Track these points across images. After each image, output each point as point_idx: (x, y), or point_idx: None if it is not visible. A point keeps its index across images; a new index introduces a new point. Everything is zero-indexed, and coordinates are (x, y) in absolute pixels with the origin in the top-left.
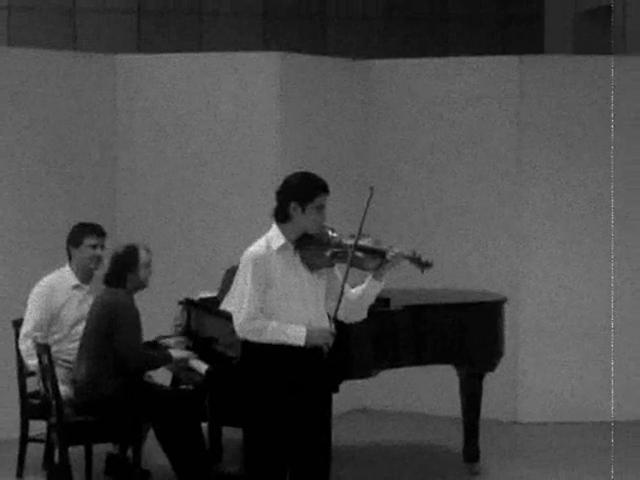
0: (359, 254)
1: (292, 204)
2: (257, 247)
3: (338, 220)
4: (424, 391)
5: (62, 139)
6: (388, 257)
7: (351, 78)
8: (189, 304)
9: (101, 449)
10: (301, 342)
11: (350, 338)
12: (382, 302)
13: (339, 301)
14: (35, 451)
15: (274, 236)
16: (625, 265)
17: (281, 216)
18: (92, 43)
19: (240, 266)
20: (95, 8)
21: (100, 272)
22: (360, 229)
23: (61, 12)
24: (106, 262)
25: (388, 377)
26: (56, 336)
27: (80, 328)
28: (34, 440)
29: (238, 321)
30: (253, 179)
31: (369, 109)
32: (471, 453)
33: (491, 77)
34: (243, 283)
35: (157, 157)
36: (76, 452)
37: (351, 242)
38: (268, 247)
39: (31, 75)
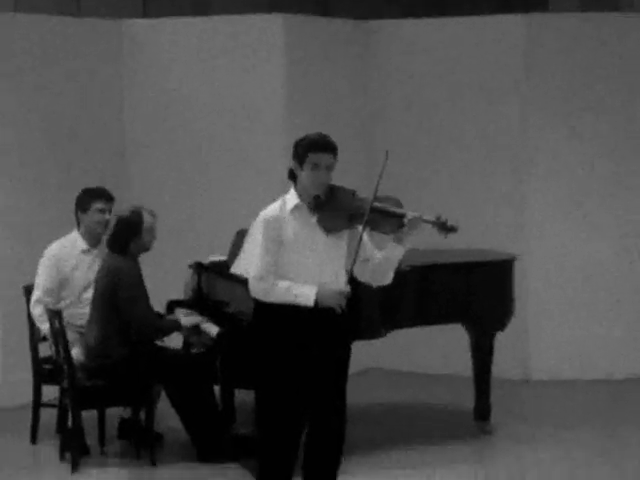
0: (377, 217)
1: (293, 164)
2: (271, 208)
3: (342, 181)
4: (434, 351)
5: (68, 105)
6: (406, 220)
7: (355, 39)
8: (199, 268)
9: (114, 413)
10: (310, 303)
11: (360, 299)
12: None
13: (353, 262)
14: (48, 416)
15: (290, 197)
16: (632, 219)
17: (290, 176)
18: (97, 8)
19: (255, 228)
20: None
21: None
22: (375, 192)
23: None
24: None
25: (398, 337)
26: (67, 301)
27: (90, 292)
28: (47, 405)
29: (250, 281)
30: (259, 141)
31: (373, 70)
32: (482, 411)
33: (496, 36)
34: (256, 244)
35: (164, 121)
36: (89, 416)
37: (368, 205)
38: (282, 208)
39: (37, 41)
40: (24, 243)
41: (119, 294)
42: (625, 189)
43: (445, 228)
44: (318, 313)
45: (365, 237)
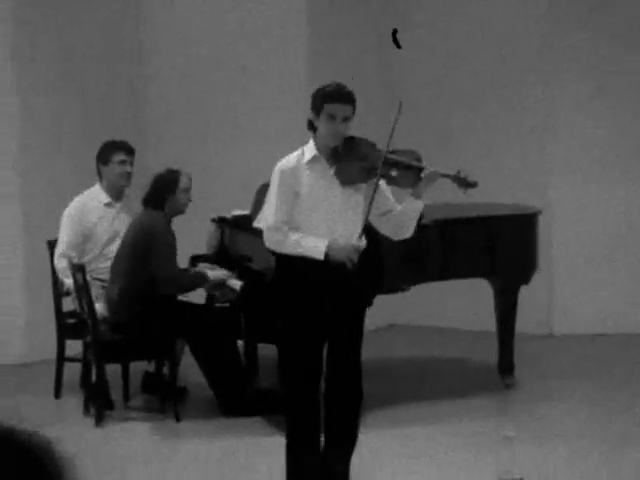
0: (394, 169)
1: (311, 114)
2: (288, 159)
3: (366, 135)
4: (457, 305)
5: (87, 61)
6: (423, 174)
7: (376, 5)
8: (222, 222)
9: (137, 367)
10: (320, 256)
11: (379, 253)
12: None
13: (367, 215)
14: (72, 371)
15: (308, 148)
16: None
17: (310, 126)
18: None
19: (272, 178)
20: None
21: (131, 190)
22: (389, 142)
23: None
24: (143, 182)
25: (421, 292)
26: (90, 255)
27: (113, 246)
28: (71, 359)
29: (264, 231)
30: (283, 96)
31: (397, 22)
32: (506, 366)
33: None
34: (271, 195)
35: (183, 79)
36: (113, 371)
37: (383, 157)
38: (299, 159)
39: (57, 7)
40: (46, 197)
41: (152, 248)
42: None
43: (465, 183)
44: (330, 266)
45: (385, 189)
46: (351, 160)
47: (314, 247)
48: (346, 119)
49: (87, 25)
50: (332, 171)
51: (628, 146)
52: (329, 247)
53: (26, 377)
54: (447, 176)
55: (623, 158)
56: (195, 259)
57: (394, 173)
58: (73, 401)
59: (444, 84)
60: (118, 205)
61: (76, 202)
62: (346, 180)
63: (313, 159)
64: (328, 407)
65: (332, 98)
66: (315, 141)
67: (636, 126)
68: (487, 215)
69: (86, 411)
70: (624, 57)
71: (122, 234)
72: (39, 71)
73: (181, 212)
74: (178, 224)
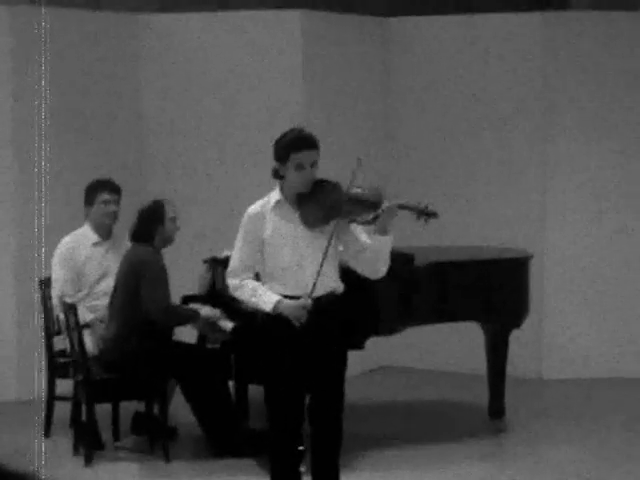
0: (354, 207)
1: (277, 164)
2: (255, 205)
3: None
4: (448, 348)
5: (86, 99)
6: (381, 210)
7: (373, 35)
8: (214, 263)
9: (128, 407)
10: (268, 309)
11: (375, 295)
12: (407, 259)
13: (320, 267)
14: (62, 410)
15: (273, 194)
16: None
17: (275, 175)
18: (116, 2)
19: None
20: None
21: (119, 228)
22: (348, 188)
23: None
24: (130, 219)
25: (410, 334)
26: (80, 294)
27: (104, 284)
28: (61, 398)
29: (226, 276)
30: (276, 136)
31: (390, 66)
32: (496, 409)
33: (515, 34)
34: (236, 240)
35: (181, 116)
36: (103, 410)
37: (345, 197)
38: (265, 205)
39: (55, 34)
40: (39, 236)
41: (142, 283)
42: None
43: (424, 213)
44: (278, 320)
45: (354, 229)
46: (315, 202)
47: (265, 300)
48: (314, 164)
49: (85, 62)
50: (297, 214)
51: (625, 190)
52: (278, 303)
53: (16, 415)
54: (406, 208)
55: (619, 202)
56: (187, 299)
57: (354, 211)
58: (63, 440)
59: (440, 128)
60: (106, 244)
61: (65, 242)
62: (311, 222)
63: (277, 204)
64: (312, 449)
65: (298, 147)
66: (281, 187)
67: (634, 170)
68: (480, 259)
69: (76, 450)
70: (622, 100)
71: (112, 272)
72: (33, 111)
73: (171, 241)
74: (170, 264)
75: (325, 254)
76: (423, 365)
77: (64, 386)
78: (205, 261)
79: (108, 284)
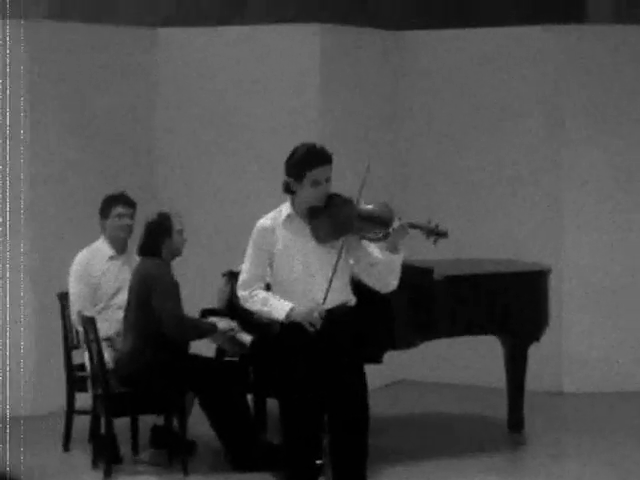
0: (364, 225)
1: (290, 180)
2: (265, 218)
3: (372, 192)
4: (467, 362)
5: (102, 113)
6: (392, 228)
7: (390, 49)
8: (232, 276)
9: (147, 421)
10: (281, 317)
11: (393, 309)
12: (425, 272)
13: (330, 278)
14: (81, 423)
15: (284, 207)
16: None
17: (287, 190)
18: (133, 16)
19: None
20: None
21: (134, 242)
22: (358, 200)
23: None
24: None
25: (428, 348)
26: (97, 307)
27: (120, 298)
28: (80, 412)
29: (237, 288)
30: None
31: (406, 80)
32: (516, 423)
33: (528, 47)
34: (246, 253)
35: (197, 131)
36: (122, 424)
37: (356, 213)
38: (276, 218)
39: (72, 49)
40: (57, 251)
41: (153, 296)
42: None
43: (435, 233)
44: (293, 328)
45: (367, 244)
46: (326, 217)
47: (277, 308)
48: (328, 179)
49: (99, 82)
50: (308, 228)
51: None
52: (291, 310)
53: (36, 429)
54: (417, 227)
55: (636, 214)
56: (206, 313)
57: (364, 228)
58: (82, 454)
59: (451, 141)
60: (122, 257)
61: (80, 257)
62: (322, 237)
63: (288, 218)
64: (334, 464)
65: (314, 164)
66: (292, 201)
67: None
68: (498, 272)
69: (95, 464)
70: (636, 111)
71: (127, 286)
72: (52, 126)
73: (179, 254)
74: (189, 278)
75: (335, 268)
76: (441, 379)
77: (83, 400)
78: (224, 274)
79: (124, 297)
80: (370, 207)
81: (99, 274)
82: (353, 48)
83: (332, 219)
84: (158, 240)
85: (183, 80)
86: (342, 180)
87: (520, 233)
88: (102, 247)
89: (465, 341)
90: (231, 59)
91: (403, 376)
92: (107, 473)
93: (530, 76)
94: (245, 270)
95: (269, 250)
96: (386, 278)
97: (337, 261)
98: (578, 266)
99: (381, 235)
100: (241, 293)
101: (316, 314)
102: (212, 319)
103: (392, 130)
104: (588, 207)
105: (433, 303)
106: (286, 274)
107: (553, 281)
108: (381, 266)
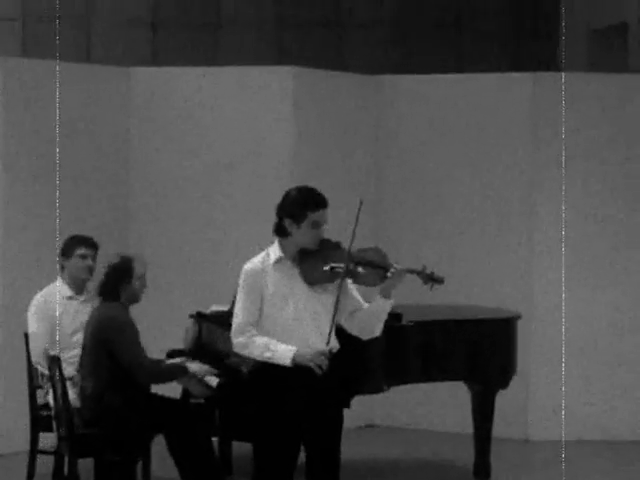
0: (359, 269)
1: (287, 221)
2: (253, 261)
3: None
4: (433, 407)
5: (75, 151)
6: (390, 272)
7: (364, 93)
8: (200, 317)
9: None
10: (287, 362)
11: (362, 353)
12: (394, 317)
13: (333, 318)
14: (45, 463)
15: (273, 250)
16: (636, 282)
17: (280, 232)
18: (106, 55)
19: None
20: (110, 20)
21: (94, 283)
22: (351, 241)
23: (75, 23)
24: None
25: (396, 393)
26: (57, 347)
27: (79, 336)
28: (43, 452)
29: (231, 335)
30: (265, 194)
31: (381, 124)
32: (482, 470)
33: (504, 94)
34: (238, 297)
35: (169, 170)
36: (86, 463)
37: (350, 256)
38: (264, 261)
39: (45, 87)
40: (23, 290)
41: (112, 341)
42: (630, 250)
43: (431, 279)
44: (297, 372)
45: (351, 288)
46: (316, 260)
47: (281, 353)
48: (325, 222)
49: (75, 114)
50: (297, 271)
51: (611, 250)
52: (297, 353)
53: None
54: (414, 272)
55: (605, 262)
56: (173, 353)
57: (360, 271)
58: None
59: (429, 185)
60: (80, 298)
61: (38, 297)
62: (312, 280)
63: (278, 260)
64: None
65: (316, 206)
66: (282, 244)
67: (622, 231)
68: (467, 318)
69: None
70: (612, 158)
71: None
72: (22, 165)
73: (137, 300)
74: (156, 318)
75: (335, 308)
76: (410, 424)
77: (47, 439)
78: (191, 315)
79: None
80: (367, 252)
81: (57, 314)
82: (328, 91)
83: (323, 261)
84: (117, 284)
85: (158, 119)
86: None
87: (489, 279)
88: (60, 287)
89: (433, 387)
90: (203, 100)
91: (371, 421)
92: None
93: (506, 122)
94: (239, 315)
95: (261, 293)
96: (373, 325)
97: (337, 301)
98: (546, 313)
99: (378, 279)
100: (237, 340)
101: (323, 357)
102: (180, 360)
103: (369, 175)
104: (558, 255)
105: (401, 348)
106: (275, 318)
107: (521, 328)
108: (368, 313)
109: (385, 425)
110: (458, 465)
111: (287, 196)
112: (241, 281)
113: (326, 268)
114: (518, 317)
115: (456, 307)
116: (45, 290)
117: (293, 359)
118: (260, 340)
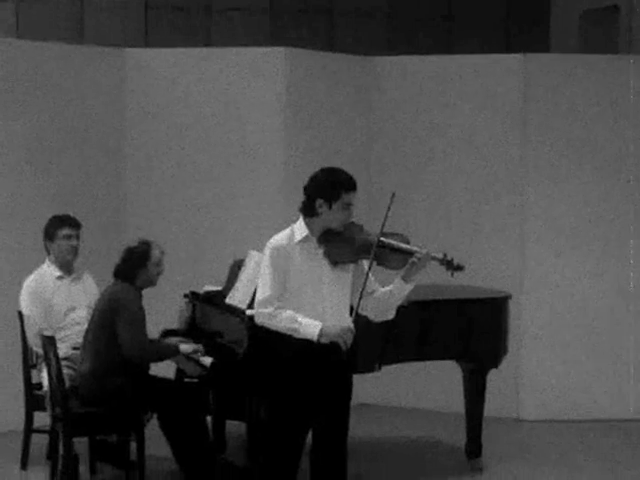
0: (385, 252)
1: (319, 201)
2: (279, 237)
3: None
4: (425, 387)
5: (69, 133)
6: (415, 257)
7: (356, 74)
8: (194, 297)
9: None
10: (313, 337)
11: (355, 332)
12: None
13: (359, 298)
14: (39, 442)
15: (298, 228)
16: (626, 262)
17: (308, 211)
18: (100, 36)
19: (249, 258)
20: (104, 1)
21: (80, 261)
22: (382, 227)
23: (69, 5)
24: (108, 255)
25: (389, 372)
26: (53, 327)
27: (73, 315)
28: (38, 431)
29: (255, 306)
30: (258, 175)
31: (373, 104)
32: (473, 449)
33: (495, 75)
34: (263, 271)
35: (164, 151)
36: (80, 442)
37: (376, 239)
38: (290, 238)
39: (39, 67)
40: (17, 270)
41: (118, 322)
42: (622, 231)
43: (452, 266)
44: (322, 349)
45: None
46: (340, 241)
47: (308, 326)
48: (353, 205)
49: (69, 96)
50: (321, 251)
51: (602, 234)
52: (324, 328)
53: None
54: (436, 259)
55: (596, 245)
56: (167, 333)
57: (386, 255)
58: (39, 473)
59: (422, 168)
60: (70, 278)
61: (30, 280)
62: (336, 260)
63: (304, 239)
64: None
65: (349, 187)
66: (308, 223)
67: (613, 213)
68: (459, 298)
69: None
70: (601, 141)
71: (79, 304)
72: (17, 145)
73: (152, 284)
74: (150, 299)
75: (364, 285)
76: (400, 403)
77: (42, 418)
78: (185, 295)
79: (78, 315)
80: (394, 237)
81: (49, 294)
82: (321, 72)
83: (350, 242)
84: (134, 267)
85: (152, 101)
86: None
87: (481, 261)
88: (49, 269)
89: (424, 366)
90: (197, 81)
91: (363, 400)
92: None
93: (497, 103)
94: (266, 287)
95: (287, 269)
96: (388, 306)
97: (366, 279)
98: (537, 294)
99: (402, 264)
100: (262, 310)
101: (350, 333)
102: (173, 339)
103: (362, 157)
104: (549, 237)
105: (394, 328)
106: (298, 295)
107: (513, 308)
108: (388, 294)
109: (377, 404)
110: (450, 444)
111: (318, 177)
112: (266, 257)
113: (351, 250)
114: (509, 297)
115: (448, 287)
116: (35, 272)
117: (320, 334)
118: (285, 313)
